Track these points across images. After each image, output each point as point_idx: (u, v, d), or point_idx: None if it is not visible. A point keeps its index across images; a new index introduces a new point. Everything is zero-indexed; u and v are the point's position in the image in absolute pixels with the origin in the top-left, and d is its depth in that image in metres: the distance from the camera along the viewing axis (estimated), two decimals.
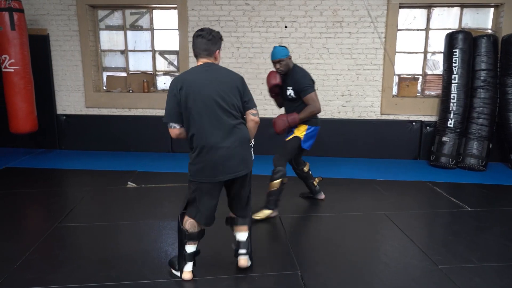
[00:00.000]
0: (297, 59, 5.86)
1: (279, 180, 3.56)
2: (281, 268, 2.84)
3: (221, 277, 2.68)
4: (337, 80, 5.90)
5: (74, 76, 6.27)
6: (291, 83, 3.63)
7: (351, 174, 5.12)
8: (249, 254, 2.73)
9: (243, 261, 2.70)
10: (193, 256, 2.62)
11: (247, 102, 2.55)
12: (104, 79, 6.50)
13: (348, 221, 3.71)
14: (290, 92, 3.64)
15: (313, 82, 3.69)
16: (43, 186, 4.70)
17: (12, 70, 5.26)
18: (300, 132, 3.65)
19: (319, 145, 5.94)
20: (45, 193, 4.49)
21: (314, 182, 4.08)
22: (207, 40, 2.52)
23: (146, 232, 3.47)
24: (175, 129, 2.51)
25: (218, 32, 2.60)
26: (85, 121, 6.36)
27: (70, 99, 6.36)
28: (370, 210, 3.94)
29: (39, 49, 6.08)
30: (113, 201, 4.34)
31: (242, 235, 2.72)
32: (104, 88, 6.50)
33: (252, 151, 2.59)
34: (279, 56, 3.60)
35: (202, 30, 2.57)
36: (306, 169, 4.02)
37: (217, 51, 2.57)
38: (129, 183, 4.75)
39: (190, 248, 2.59)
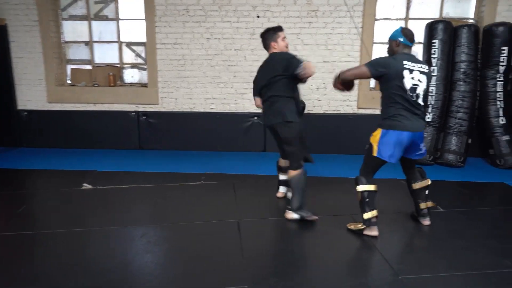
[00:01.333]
0: None
1: (357, 190, 3.12)
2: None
3: None
4: None
5: (35, 69, 5.92)
6: None
7: (325, 172, 4.85)
8: (293, 209, 3.39)
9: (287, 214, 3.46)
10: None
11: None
12: (68, 72, 6.15)
13: (310, 225, 3.44)
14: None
15: (384, 65, 3.09)
16: None
17: None
18: (374, 138, 3.04)
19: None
20: None
21: (422, 205, 3.32)
22: (263, 40, 3.49)
23: (89, 242, 3.17)
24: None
25: (268, 30, 3.45)
26: (48, 117, 6.02)
27: (32, 94, 6.01)
28: (337, 212, 3.68)
29: None
30: (60, 205, 4.02)
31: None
32: (68, 81, 6.15)
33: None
34: (389, 37, 3.13)
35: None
36: (416, 186, 3.30)
37: (271, 43, 3.39)
38: (84, 184, 4.44)
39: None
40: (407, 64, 2.88)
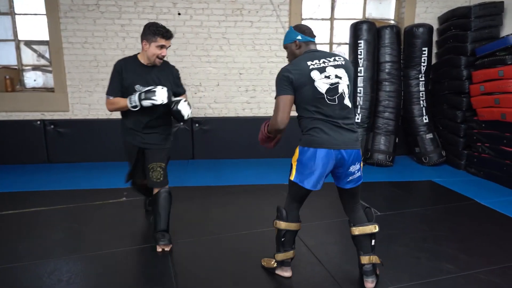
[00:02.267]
0: (194, 51, 5.19)
1: (274, 226, 2.48)
2: None
3: None
4: (240, 74, 5.33)
5: None
6: None
7: (255, 179, 4.60)
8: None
9: None
10: None
11: None
12: None
13: (253, 240, 3.15)
14: None
15: (286, 81, 2.21)
16: None
17: None
18: (294, 157, 2.32)
19: (221, 147, 5.42)
20: None
21: (364, 258, 2.38)
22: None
23: None
24: None
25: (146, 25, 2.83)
26: None
27: None
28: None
29: None
30: None
31: None
32: None
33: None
34: (283, 43, 2.43)
35: None
36: (356, 231, 2.41)
37: (142, 42, 2.79)
38: None
39: None
40: (312, 63, 2.20)
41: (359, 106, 5.15)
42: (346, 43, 5.45)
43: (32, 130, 5.13)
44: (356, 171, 2.30)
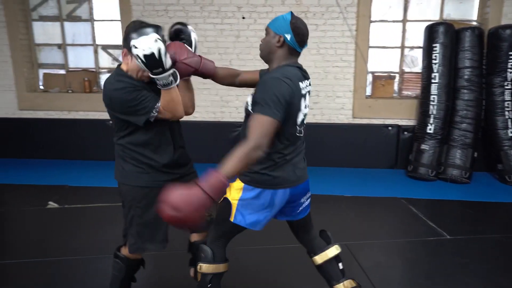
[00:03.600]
0: (257, 55, 5.11)
1: (198, 270, 1.97)
2: None
3: None
4: None
5: (3, 74, 5.46)
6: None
7: (315, 189, 4.39)
8: None
9: None
10: None
11: None
12: (41, 77, 5.69)
13: (297, 254, 2.99)
14: (248, 99, 1.85)
15: (280, 101, 1.68)
16: None
17: None
18: (233, 193, 1.87)
19: None
20: None
21: (339, 287, 2.05)
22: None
23: (48, 276, 2.71)
24: None
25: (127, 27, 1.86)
26: (18, 125, 5.55)
27: (1, 101, 5.54)
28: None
29: None
30: (21, 228, 3.59)
31: None
32: (41, 87, 5.69)
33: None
34: (268, 25, 1.90)
35: None
36: (318, 260, 2.08)
37: (122, 51, 1.89)
38: (50, 203, 3.98)
39: None
40: (303, 85, 1.81)
41: (432, 116, 4.72)
42: (420, 47, 5.03)
43: (106, 129, 5.45)
44: (306, 200, 2.02)
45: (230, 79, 2.10)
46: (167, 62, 1.73)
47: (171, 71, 1.75)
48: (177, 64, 1.86)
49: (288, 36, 1.78)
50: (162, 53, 1.69)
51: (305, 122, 1.90)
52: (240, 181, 1.85)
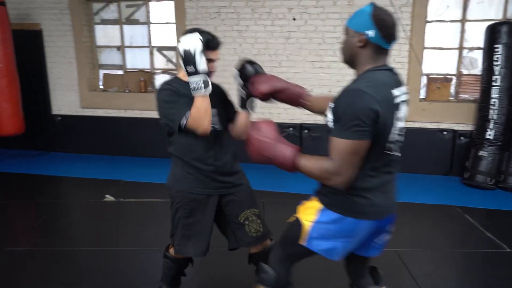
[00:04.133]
0: (307, 56, 5.13)
1: None
2: None
3: None
4: None
5: (68, 74, 5.85)
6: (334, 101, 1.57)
7: None
8: None
9: None
10: None
11: None
12: (101, 77, 6.04)
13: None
14: (328, 114, 1.57)
15: (363, 119, 1.42)
16: (16, 195, 4.30)
17: None
18: (307, 214, 1.66)
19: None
20: (14, 204, 4.07)
21: None
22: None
23: (104, 264, 2.90)
24: None
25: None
26: (80, 122, 5.93)
27: (65, 99, 5.95)
28: None
29: (32, 45, 5.71)
30: (81, 218, 3.85)
31: None
32: (101, 87, 6.04)
33: None
34: (346, 23, 1.60)
35: None
36: None
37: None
38: (107, 196, 4.22)
39: None
40: (397, 92, 1.50)
41: (492, 121, 4.47)
42: (480, 48, 4.78)
43: (158, 127, 5.67)
44: (387, 235, 1.74)
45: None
46: (201, 64, 1.78)
47: (203, 76, 1.80)
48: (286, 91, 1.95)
49: (371, 33, 1.46)
50: (197, 52, 1.76)
51: (402, 139, 1.59)
52: (317, 201, 1.62)
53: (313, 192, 1.68)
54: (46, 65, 5.86)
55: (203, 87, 1.81)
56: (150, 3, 5.60)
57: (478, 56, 4.91)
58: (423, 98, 5.12)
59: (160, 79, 5.90)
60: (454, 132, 4.92)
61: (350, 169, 1.44)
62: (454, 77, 5.10)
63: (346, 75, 5.06)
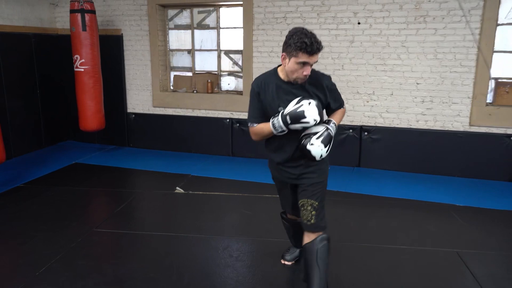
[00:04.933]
0: (371, 59, 5.21)
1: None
2: None
3: None
4: (417, 84, 5.10)
5: (143, 76, 6.38)
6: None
7: (426, 196, 4.35)
8: None
9: None
10: None
11: None
12: (171, 79, 6.51)
13: (408, 257, 3.06)
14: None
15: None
16: (98, 184, 4.79)
17: (82, 70, 5.47)
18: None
19: (389, 158, 5.28)
20: (96, 192, 4.57)
21: None
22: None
23: (174, 248, 3.24)
24: None
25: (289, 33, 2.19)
26: (152, 120, 6.44)
27: (139, 98, 6.48)
28: (439, 245, 3.23)
29: (113, 49, 6.30)
30: (153, 207, 4.25)
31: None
32: (171, 87, 6.51)
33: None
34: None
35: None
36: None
37: (282, 54, 2.19)
38: (177, 188, 4.61)
39: None
40: None
41: None
42: None
43: (222, 126, 6.04)
44: None
45: None
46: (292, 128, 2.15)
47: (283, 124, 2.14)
48: None
49: None
50: (304, 123, 2.12)
51: None
52: None
53: None
54: (124, 67, 6.44)
55: (279, 129, 2.18)
56: (221, 9, 5.97)
57: None
58: (490, 103, 5.01)
59: (226, 81, 6.26)
60: None
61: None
62: None
63: (409, 78, 5.12)
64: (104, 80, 5.84)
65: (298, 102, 2.07)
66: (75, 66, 5.51)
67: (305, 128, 2.14)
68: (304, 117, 2.04)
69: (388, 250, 3.16)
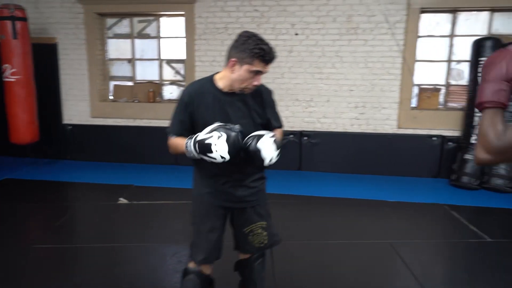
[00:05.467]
0: (308, 68, 5.51)
1: None
2: None
3: None
4: (350, 90, 5.48)
5: (80, 86, 6.17)
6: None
7: (361, 194, 4.67)
8: None
9: None
10: None
11: None
12: (111, 88, 6.37)
13: (347, 250, 3.29)
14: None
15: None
16: (34, 199, 4.55)
17: (14, 80, 5.19)
18: None
19: (328, 161, 5.60)
20: (32, 208, 4.34)
21: None
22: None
23: (121, 258, 3.19)
24: None
25: (241, 36, 1.90)
26: (90, 131, 6.23)
27: (77, 109, 6.26)
28: (374, 238, 3.50)
29: (48, 58, 6.04)
30: (96, 219, 4.13)
31: None
32: (111, 97, 6.37)
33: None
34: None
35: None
36: None
37: (230, 60, 1.87)
38: (120, 199, 4.52)
39: None
40: None
41: (476, 127, 4.85)
42: (467, 61, 5.20)
43: (165, 136, 5.98)
44: None
45: None
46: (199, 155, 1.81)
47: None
48: None
49: None
50: (211, 155, 1.77)
51: None
52: None
53: None
54: (60, 76, 6.19)
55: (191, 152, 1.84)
56: (161, 19, 5.98)
57: (465, 68, 5.32)
58: (414, 107, 5.51)
59: (168, 90, 6.25)
60: (442, 137, 5.32)
61: None
62: (443, 87, 5.51)
63: (343, 86, 5.48)
64: (37, 91, 5.57)
65: (210, 131, 1.76)
66: (4, 76, 5.21)
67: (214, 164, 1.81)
68: (211, 151, 1.74)
69: (328, 246, 3.37)
